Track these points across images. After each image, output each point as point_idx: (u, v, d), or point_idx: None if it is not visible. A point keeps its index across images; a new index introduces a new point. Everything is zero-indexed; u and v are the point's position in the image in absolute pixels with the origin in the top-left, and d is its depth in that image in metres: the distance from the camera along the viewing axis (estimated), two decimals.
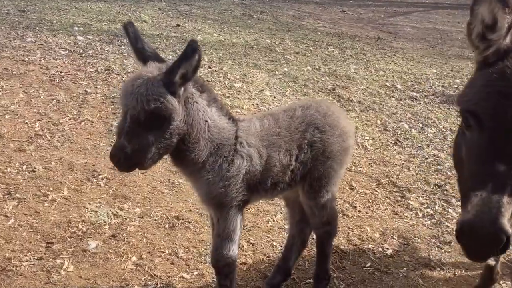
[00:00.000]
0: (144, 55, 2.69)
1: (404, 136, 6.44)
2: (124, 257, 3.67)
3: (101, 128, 5.54)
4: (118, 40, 8.81)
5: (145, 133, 2.53)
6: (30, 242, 3.71)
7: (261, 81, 7.66)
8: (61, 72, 6.93)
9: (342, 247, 4.13)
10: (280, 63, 8.84)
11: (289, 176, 3.08)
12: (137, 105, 2.47)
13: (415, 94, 8.29)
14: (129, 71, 7.40)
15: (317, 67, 8.91)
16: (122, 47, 8.52)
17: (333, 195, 3.31)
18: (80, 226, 3.93)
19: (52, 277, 3.41)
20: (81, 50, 7.96)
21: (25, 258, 3.55)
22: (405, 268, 3.95)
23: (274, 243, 4.06)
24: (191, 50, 2.51)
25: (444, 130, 6.82)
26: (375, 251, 4.13)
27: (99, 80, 6.89)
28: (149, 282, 3.47)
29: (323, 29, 12.97)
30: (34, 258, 3.56)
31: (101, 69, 7.28)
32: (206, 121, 2.78)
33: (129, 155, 2.50)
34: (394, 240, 4.31)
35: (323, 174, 3.16)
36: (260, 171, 2.96)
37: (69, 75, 6.87)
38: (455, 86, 9.00)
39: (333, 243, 3.62)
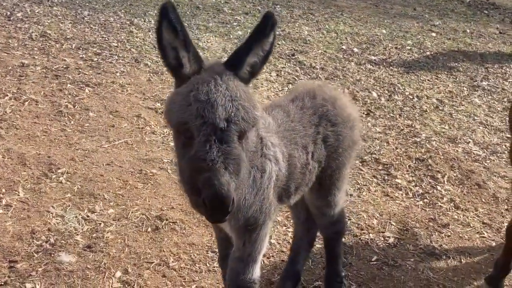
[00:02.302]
0: (198, 55, 1.97)
1: (374, 106, 6.16)
2: (107, 273, 3.11)
3: (48, 109, 4.78)
4: (48, 0, 7.78)
5: (244, 155, 1.93)
6: None
7: (217, 47, 7.05)
8: None
9: (343, 239, 3.79)
10: (232, 25, 8.22)
11: (308, 177, 2.66)
12: (247, 115, 1.86)
13: (373, 58, 8.02)
14: (68, 37, 6.52)
15: None
16: (55, 8, 7.53)
17: (343, 192, 2.94)
18: (47, 237, 3.29)
19: None
20: (8, 13, 6.92)
21: None
22: (412, 260, 3.70)
23: (272, 241, 3.65)
24: (271, 25, 1.92)
25: (411, 97, 6.61)
26: (377, 241, 3.84)
27: (35, 49, 5.99)
28: None
29: None
30: None
31: (36, 35, 6.35)
32: None
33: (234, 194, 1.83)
34: (393, 227, 4.03)
35: (335, 171, 2.79)
36: (286, 175, 2.50)
37: None
38: (408, 48, 8.82)
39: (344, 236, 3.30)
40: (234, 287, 2.51)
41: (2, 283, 2.92)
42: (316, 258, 3.56)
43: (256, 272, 2.51)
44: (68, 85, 5.26)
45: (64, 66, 5.67)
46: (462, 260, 3.78)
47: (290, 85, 6.35)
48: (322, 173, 2.76)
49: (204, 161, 1.78)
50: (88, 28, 6.95)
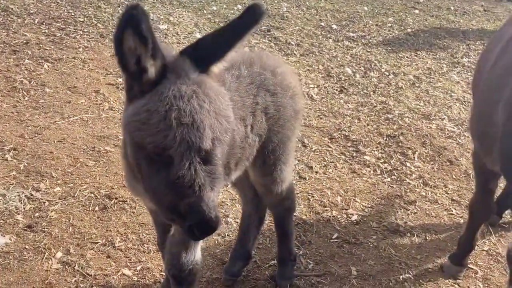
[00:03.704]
0: (163, 55, 1.71)
1: (348, 82, 5.97)
2: (46, 253, 2.94)
3: (2, 84, 4.56)
4: None
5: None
6: None
7: (188, 22, 6.82)
8: None
9: (304, 216, 3.65)
10: (207, 0, 7.97)
11: (248, 151, 2.49)
12: (227, 125, 1.74)
13: (351, 34, 7.81)
14: (31, 12, 6.27)
15: (246, 5, 8.13)
16: None
17: (290, 167, 2.77)
18: None
19: None
20: None
21: None
22: (374, 237, 3.55)
23: (229, 219, 3.50)
24: (259, 19, 1.78)
25: (387, 74, 6.42)
26: (339, 218, 3.69)
27: None
28: (82, 285, 2.80)
29: None
30: None
31: None
32: None
33: None
34: (357, 204, 3.88)
35: (278, 145, 2.62)
36: (226, 150, 2.32)
37: None
38: (389, 25, 8.61)
39: (294, 213, 3.13)
40: (176, 271, 2.33)
41: None
42: (274, 237, 3.40)
43: (198, 254, 2.35)
44: (26, 60, 5.04)
45: (24, 41, 5.43)
46: (427, 238, 3.64)
47: None
48: (264, 149, 2.59)
49: (190, 187, 1.64)
50: (54, 3, 6.69)
